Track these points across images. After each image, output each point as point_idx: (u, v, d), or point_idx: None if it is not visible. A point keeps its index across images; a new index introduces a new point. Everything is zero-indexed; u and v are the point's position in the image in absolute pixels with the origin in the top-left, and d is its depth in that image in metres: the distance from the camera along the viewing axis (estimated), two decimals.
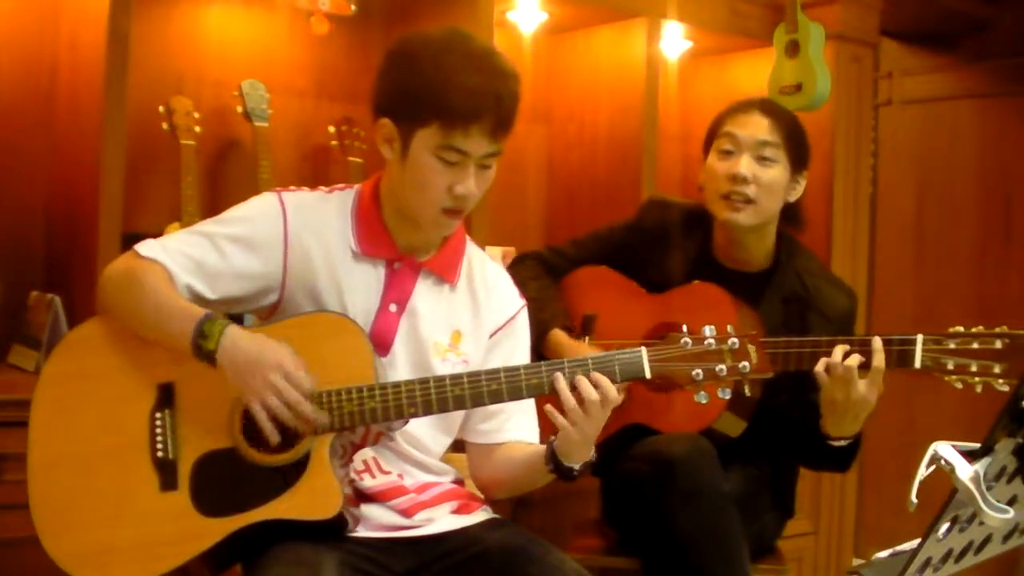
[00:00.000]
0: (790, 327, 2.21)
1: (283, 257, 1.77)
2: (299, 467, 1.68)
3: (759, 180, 2.22)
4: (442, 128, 1.68)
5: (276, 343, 1.67)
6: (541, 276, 2.39)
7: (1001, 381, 1.89)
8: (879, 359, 1.96)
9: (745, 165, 2.22)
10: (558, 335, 2.29)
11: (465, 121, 1.67)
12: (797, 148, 2.27)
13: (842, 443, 2.11)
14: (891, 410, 4.12)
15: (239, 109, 2.87)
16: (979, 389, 1.93)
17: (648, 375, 1.71)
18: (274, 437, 1.66)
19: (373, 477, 1.79)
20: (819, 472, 2.39)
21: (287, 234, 1.77)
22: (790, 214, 2.32)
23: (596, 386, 1.66)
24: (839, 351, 1.99)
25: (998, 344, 1.90)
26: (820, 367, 2.00)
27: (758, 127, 2.24)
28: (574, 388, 1.67)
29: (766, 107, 2.29)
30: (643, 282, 2.35)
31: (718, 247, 2.33)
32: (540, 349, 2.24)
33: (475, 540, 1.79)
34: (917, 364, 1.96)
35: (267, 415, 1.64)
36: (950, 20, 4.09)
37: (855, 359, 1.97)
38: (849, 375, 1.97)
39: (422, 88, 1.68)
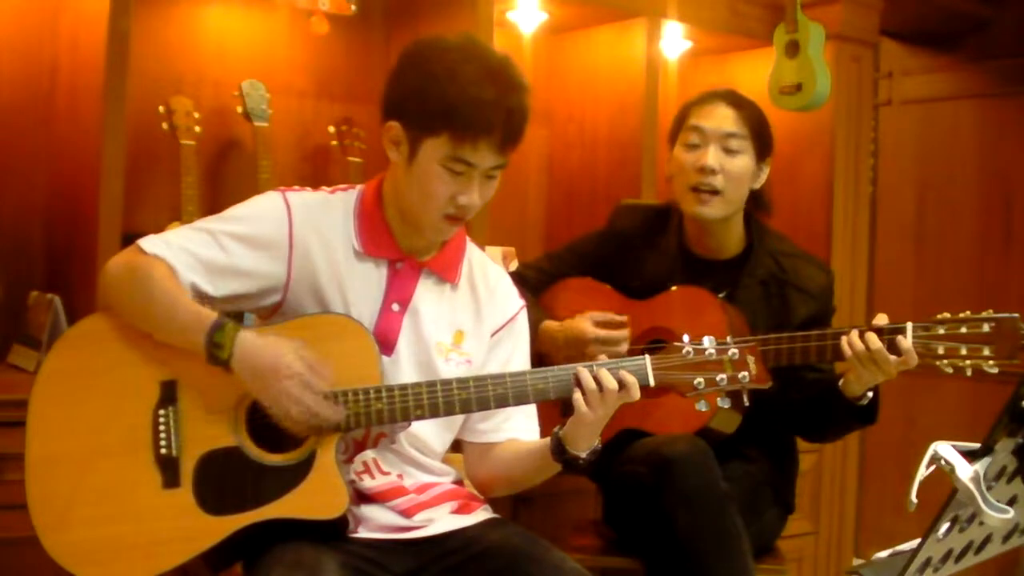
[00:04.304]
0: (772, 307, 2.26)
1: (288, 257, 1.77)
2: (304, 467, 1.68)
3: (726, 170, 2.26)
4: (452, 139, 1.68)
5: (289, 345, 1.67)
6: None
7: (991, 363, 1.93)
8: (904, 342, 1.97)
9: (712, 156, 2.26)
10: (550, 324, 2.30)
11: (475, 135, 1.68)
12: (761, 138, 2.31)
13: (869, 395, 2.11)
14: (891, 410, 4.13)
15: (239, 109, 2.87)
16: (969, 372, 1.97)
17: (652, 383, 1.74)
18: (302, 436, 1.67)
19: (373, 478, 1.79)
20: (843, 437, 2.42)
21: (292, 233, 1.77)
22: (757, 200, 2.36)
23: (621, 384, 1.70)
24: (855, 336, 2.00)
25: (985, 328, 1.94)
26: (847, 351, 2.01)
27: (724, 119, 2.29)
28: (596, 381, 1.70)
29: (730, 98, 2.32)
30: (626, 287, 2.37)
31: (690, 239, 2.37)
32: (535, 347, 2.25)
33: (475, 540, 1.79)
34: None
35: (288, 421, 1.66)
36: (950, 20, 4.09)
37: (874, 339, 1.98)
38: (881, 356, 1.98)
39: (435, 97, 1.68)
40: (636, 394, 1.71)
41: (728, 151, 2.27)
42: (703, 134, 2.28)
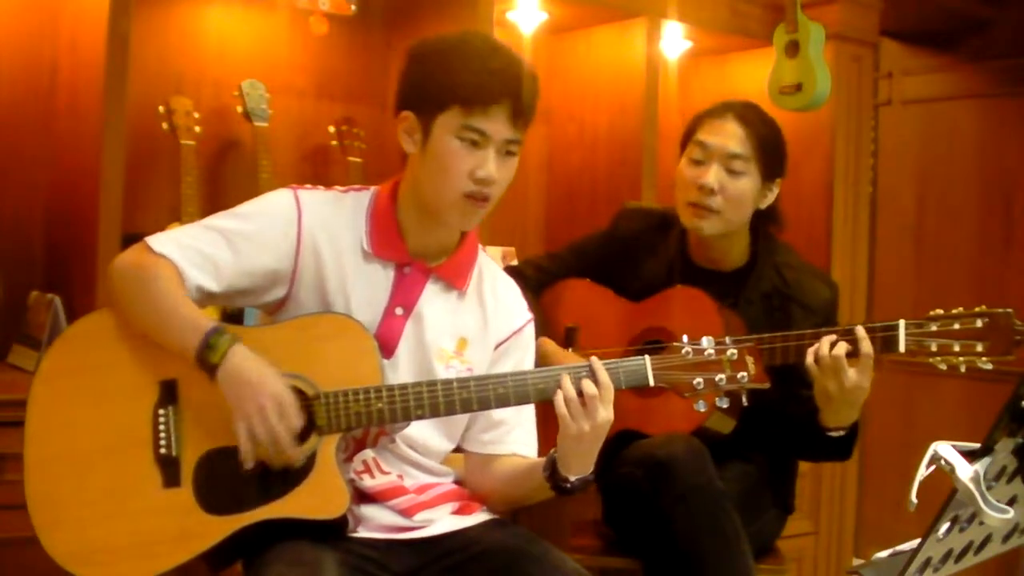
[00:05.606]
0: (773, 321, 2.22)
1: (295, 254, 1.77)
2: (305, 466, 1.68)
3: (726, 191, 2.22)
4: (462, 109, 1.70)
5: (277, 374, 1.67)
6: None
7: (984, 359, 1.93)
8: (866, 346, 1.98)
9: (713, 176, 2.21)
10: (546, 343, 2.28)
11: (485, 101, 1.70)
12: (769, 159, 2.25)
13: (841, 432, 2.12)
14: (891, 410, 4.14)
15: (239, 109, 2.87)
16: (963, 369, 1.96)
17: (652, 383, 1.74)
18: (248, 462, 1.66)
19: (373, 477, 1.79)
20: (821, 463, 2.42)
21: (300, 231, 1.77)
22: (766, 216, 2.32)
23: (596, 384, 1.68)
24: (826, 342, 2.00)
25: (979, 323, 1.93)
26: (810, 359, 2.01)
27: (730, 137, 2.23)
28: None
29: (742, 114, 2.26)
30: (624, 290, 2.36)
31: (692, 250, 2.34)
32: None
33: (475, 540, 1.79)
34: (901, 348, 1.98)
35: (248, 438, 1.65)
36: (950, 20, 4.09)
37: (842, 347, 1.98)
38: (838, 364, 1.98)
39: (442, 75, 1.72)
40: (610, 391, 1.69)
41: (731, 171, 2.22)
42: (707, 151, 2.24)
